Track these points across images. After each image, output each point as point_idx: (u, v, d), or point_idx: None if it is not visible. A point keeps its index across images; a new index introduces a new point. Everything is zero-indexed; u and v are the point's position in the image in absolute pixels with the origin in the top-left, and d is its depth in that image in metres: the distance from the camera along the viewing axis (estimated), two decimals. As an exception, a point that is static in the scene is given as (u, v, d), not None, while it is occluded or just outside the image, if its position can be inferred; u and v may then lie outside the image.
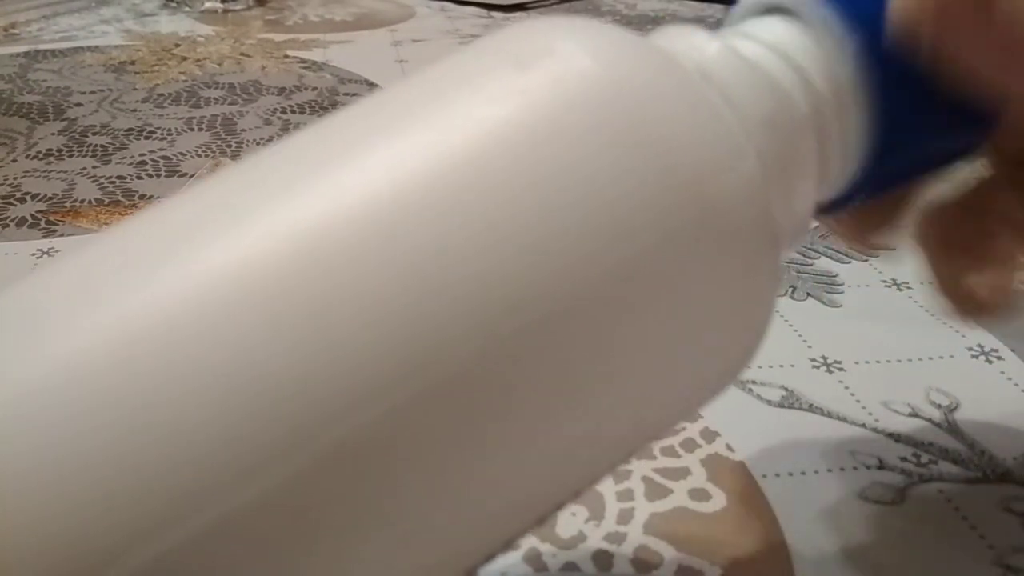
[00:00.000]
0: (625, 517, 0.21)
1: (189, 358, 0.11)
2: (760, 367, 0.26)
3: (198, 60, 0.56)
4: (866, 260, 0.33)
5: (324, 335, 0.11)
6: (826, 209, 0.16)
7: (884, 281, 0.32)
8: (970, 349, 0.28)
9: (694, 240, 0.13)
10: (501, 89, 0.13)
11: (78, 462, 0.11)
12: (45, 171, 0.39)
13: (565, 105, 0.13)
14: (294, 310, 0.11)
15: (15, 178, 0.39)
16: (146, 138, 0.43)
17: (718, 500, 0.22)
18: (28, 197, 0.37)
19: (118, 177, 0.39)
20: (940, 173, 0.17)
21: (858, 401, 0.25)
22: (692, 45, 0.15)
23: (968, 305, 0.18)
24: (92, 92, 0.49)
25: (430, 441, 0.12)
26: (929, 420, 0.24)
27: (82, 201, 0.37)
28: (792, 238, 0.15)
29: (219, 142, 0.43)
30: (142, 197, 0.37)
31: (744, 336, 0.14)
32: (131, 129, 0.44)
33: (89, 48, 0.57)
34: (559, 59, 0.13)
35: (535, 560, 0.20)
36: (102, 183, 0.38)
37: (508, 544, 0.14)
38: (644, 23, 0.67)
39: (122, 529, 0.10)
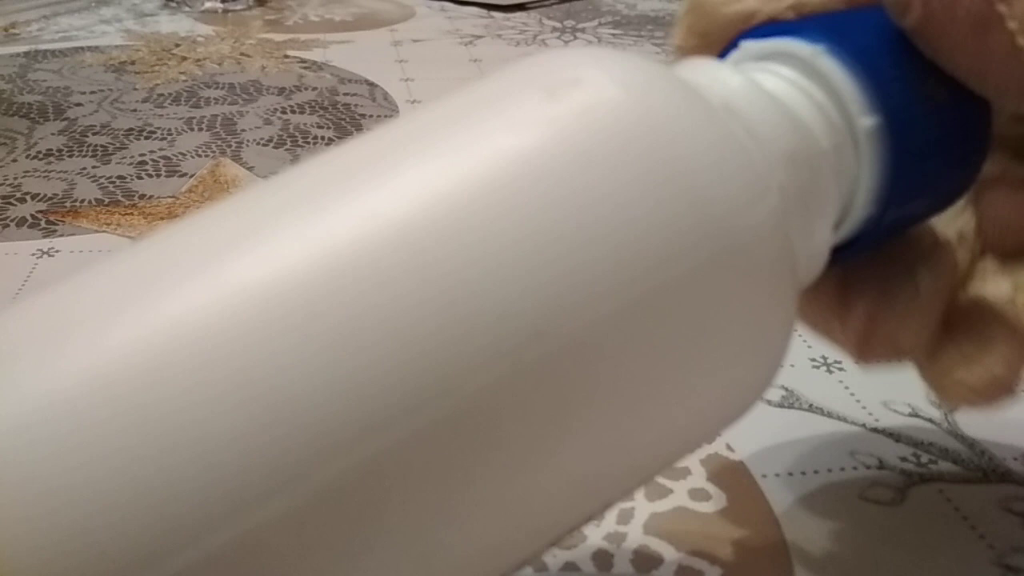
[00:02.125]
0: (625, 517, 0.21)
1: (217, 373, 0.11)
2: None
3: (198, 60, 0.56)
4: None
5: (353, 356, 0.11)
6: (839, 253, 0.16)
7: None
8: (970, 349, 0.28)
9: (716, 272, 0.13)
10: (530, 117, 0.13)
11: (104, 476, 0.11)
12: (45, 171, 0.39)
13: (593, 135, 0.13)
14: (323, 329, 0.11)
15: (15, 178, 0.39)
16: (146, 138, 0.43)
17: (718, 500, 0.22)
18: (28, 197, 0.37)
19: (118, 177, 0.39)
20: (942, 210, 0.17)
21: (858, 401, 0.25)
22: (716, 78, 0.15)
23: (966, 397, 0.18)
24: (92, 92, 0.49)
25: (452, 463, 0.12)
26: (929, 420, 0.24)
27: (82, 201, 0.37)
28: (809, 274, 0.15)
29: (219, 142, 0.43)
30: (142, 197, 0.37)
31: (760, 367, 0.15)
32: (131, 129, 0.44)
33: (89, 48, 0.57)
34: (588, 89, 0.13)
35: (535, 560, 0.20)
36: (102, 183, 0.38)
37: (525, 564, 0.14)
38: (644, 23, 0.67)
39: (147, 542, 0.11)
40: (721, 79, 0.15)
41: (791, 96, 0.15)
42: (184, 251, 0.13)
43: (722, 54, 0.16)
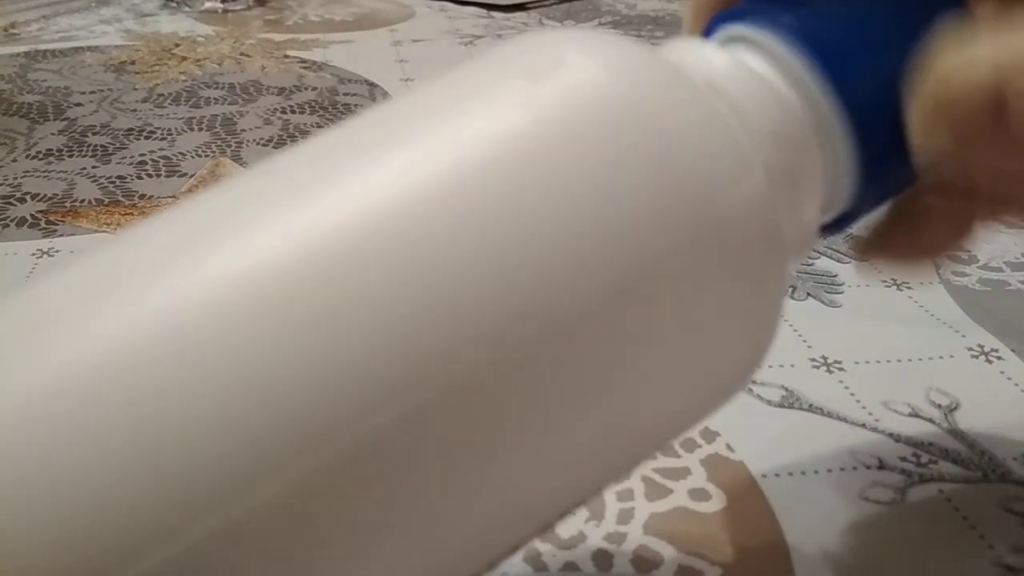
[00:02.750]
0: (625, 517, 0.21)
1: (199, 362, 0.11)
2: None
3: (198, 60, 0.56)
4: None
5: (335, 342, 0.11)
6: (828, 228, 0.16)
7: (884, 281, 0.32)
8: (970, 349, 0.28)
9: (702, 251, 0.13)
10: (513, 100, 0.13)
11: (87, 469, 0.11)
12: (45, 171, 0.39)
13: (576, 116, 0.13)
14: (305, 316, 0.11)
15: (15, 178, 0.39)
16: (146, 138, 0.43)
17: (718, 500, 0.22)
18: (28, 197, 0.37)
19: (118, 177, 0.39)
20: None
21: (858, 401, 0.25)
22: (701, 57, 0.15)
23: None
24: (92, 92, 0.49)
25: (440, 447, 0.12)
26: (929, 420, 0.24)
27: (82, 201, 0.37)
28: (798, 251, 0.15)
29: (219, 142, 0.43)
30: (142, 197, 0.37)
31: (750, 346, 0.15)
32: (131, 129, 0.44)
33: (89, 48, 0.57)
34: (571, 71, 0.13)
35: (535, 560, 0.20)
36: (102, 183, 0.38)
37: (515, 549, 0.14)
38: (644, 23, 0.67)
39: (132, 532, 0.11)
40: (705, 58, 0.15)
41: (774, 74, 0.15)
42: (164, 241, 0.13)
43: (706, 34, 0.16)
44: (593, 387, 0.13)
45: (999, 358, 0.27)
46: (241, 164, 0.41)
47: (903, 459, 0.23)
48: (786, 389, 0.26)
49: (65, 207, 0.36)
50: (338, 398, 0.11)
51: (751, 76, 0.15)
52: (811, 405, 0.25)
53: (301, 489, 0.11)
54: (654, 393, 0.14)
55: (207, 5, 0.68)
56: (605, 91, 0.13)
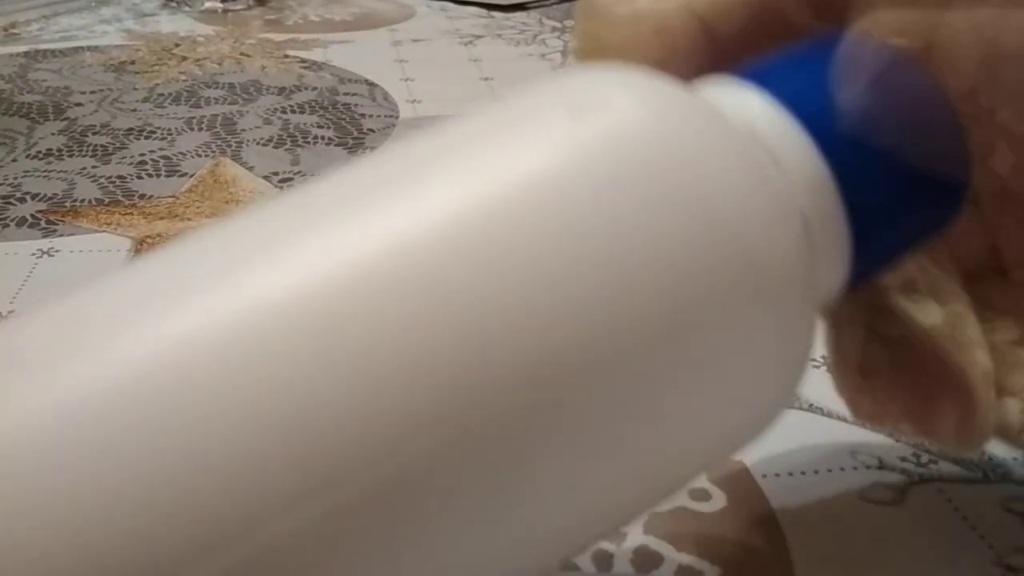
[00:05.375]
0: (625, 517, 0.21)
1: (235, 386, 0.11)
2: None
3: (198, 60, 0.56)
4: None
5: (371, 370, 0.11)
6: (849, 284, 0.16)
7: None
8: (970, 349, 0.28)
9: (737, 295, 0.13)
10: (554, 137, 0.13)
11: (112, 488, 0.10)
12: (45, 171, 0.39)
13: (617, 157, 0.13)
14: (343, 343, 0.11)
15: (15, 178, 0.39)
16: (146, 138, 0.43)
17: (718, 500, 0.22)
18: (28, 197, 0.37)
19: (118, 177, 0.39)
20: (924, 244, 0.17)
21: (858, 401, 0.25)
22: (741, 102, 0.15)
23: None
24: (92, 92, 0.49)
25: (469, 480, 0.12)
26: (929, 420, 0.24)
27: (82, 201, 0.37)
28: (825, 301, 0.15)
29: (219, 142, 0.43)
30: (142, 197, 0.37)
31: (777, 390, 0.15)
32: (131, 129, 0.44)
33: (89, 48, 0.57)
34: (614, 111, 0.13)
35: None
36: (102, 183, 0.38)
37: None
38: (644, 23, 0.67)
39: (160, 557, 0.10)
40: (745, 104, 0.15)
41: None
42: (202, 263, 0.13)
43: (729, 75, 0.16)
44: (625, 421, 0.13)
45: (999, 358, 0.27)
46: (241, 164, 0.41)
47: (903, 459, 0.23)
48: (786, 389, 0.26)
49: (65, 207, 0.36)
50: (372, 428, 0.11)
51: (786, 122, 0.14)
52: (811, 405, 0.25)
53: (334, 515, 0.11)
54: (681, 431, 0.14)
55: (207, 5, 0.68)
56: (647, 134, 0.13)
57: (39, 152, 0.41)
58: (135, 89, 0.50)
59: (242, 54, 0.57)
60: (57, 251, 0.33)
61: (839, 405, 0.25)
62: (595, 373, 0.12)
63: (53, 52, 0.56)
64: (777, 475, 0.22)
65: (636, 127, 0.13)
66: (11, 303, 0.30)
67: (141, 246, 0.34)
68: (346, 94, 0.50)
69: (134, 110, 0.47)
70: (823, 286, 0.15)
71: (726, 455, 0.16)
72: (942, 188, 0.16)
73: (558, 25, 0.66)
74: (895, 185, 0.15)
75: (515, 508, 0.12)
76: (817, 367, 0.27)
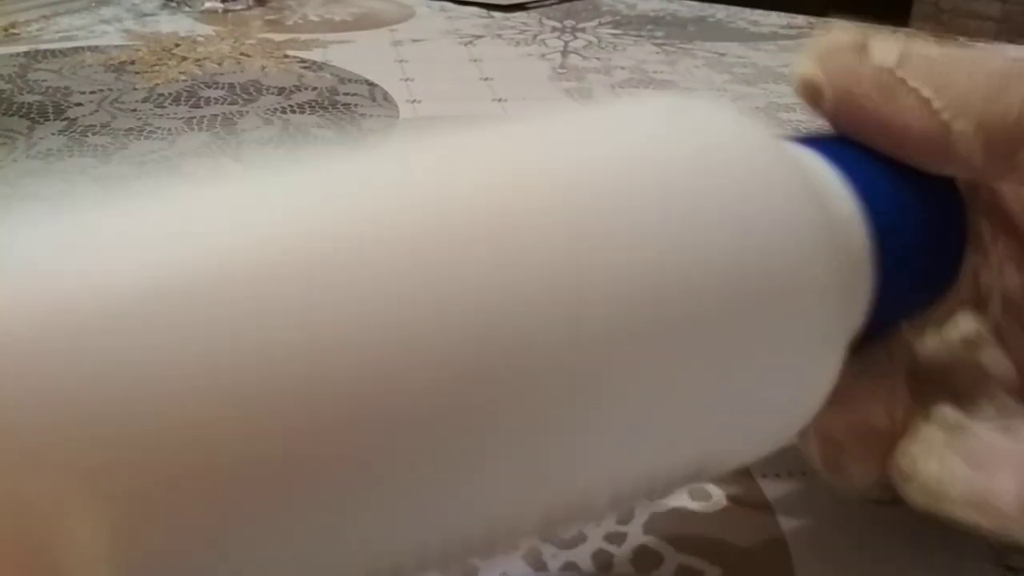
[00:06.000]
0: (625, 517, 0.21)
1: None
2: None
3: (198, 60, 0.56)
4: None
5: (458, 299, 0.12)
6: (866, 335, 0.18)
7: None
8: (970, 349, 0.28)
9: (776, 317, 0.14)
10: (646, 130, 0.15)
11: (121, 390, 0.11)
12: (45, 171, 0.39)
13: (700, 167, 0.14)
14: (418, 275, 0.12)
15: (15, 178, 0.39)
16: (146, 138, 0.43)
17: (718, 500, 0.22)
18: (28, 197, 0.37)
19: (118, 177, 0.39)
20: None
21: (858, 401, 0.25)
22: (817, 167, 0.17)
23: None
24: (92, 92, 0.49)
25: (540, 410, 0.13)
26: (929, 420, 0.24)
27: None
28: (849, 340, 0.16)
29: (219, 142, 0.43)
30: (142, 197, 0.37)
31: (798, 406, 0.16)
32: (131, 129, 0.44)
33: (89, 48, 0.57)
34: (712, 130, 0.15)
35: (535, 560, 0.20)
36: (102, 183, 0.38)
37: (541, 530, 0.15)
38: (644, 23, 0.67)
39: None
40: (819, 170, 0.17)
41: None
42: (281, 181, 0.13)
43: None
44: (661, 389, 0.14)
45: (999, 358, 0.27)
46: (241, 164, 0.41)
47: (903, 459, 0.23)
48: (786, 389, 0.26)
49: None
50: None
51: (846, 198, 0.16)
52: (811, 405, 0.25)
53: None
54: (691, 410, 0.14)
55: (207, 5, 0.68)
56: (732, 160, 0.15)
57: (39, 152, 0.41)
58: (135, 89, 0.50)
59: (242, 54, 0.57)
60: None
61: (839, 405, 0.25)
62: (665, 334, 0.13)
63: (53, 52, 0.56)
64: (777, 475, 0.22)
65: (726, 150, 0.15)
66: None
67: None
68: (346, 94, 0.50)
69: (134, 110, 0.47)
70: (851, 323, 0.16)
71: (743, 456, 0.16)
72: (946, 254, 0.18)
73: (558, 25, 0.66)
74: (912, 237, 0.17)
75: (576, 442, 0.13)
76: (817, 367, 0.27)
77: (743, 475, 0.22)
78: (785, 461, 0.23)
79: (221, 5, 0.68)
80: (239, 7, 0.69)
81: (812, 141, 0.18)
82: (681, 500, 0.21)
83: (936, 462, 0.17)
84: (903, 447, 0.17)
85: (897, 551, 0.20)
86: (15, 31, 0.61)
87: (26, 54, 0.56)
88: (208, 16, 0.67)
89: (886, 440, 0.17)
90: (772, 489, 0.22)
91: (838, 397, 0.16)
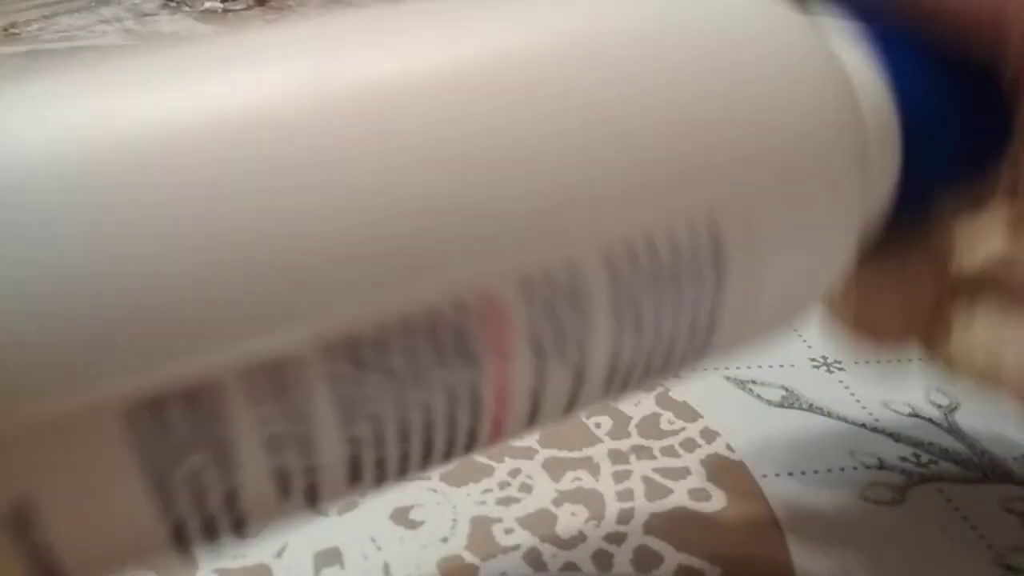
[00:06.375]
0: (625, 517, 0.21)
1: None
2: (760, 367, 0.27)
3: (198, 60, 0.55)
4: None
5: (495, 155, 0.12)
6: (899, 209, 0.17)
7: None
8: (970, 349, 0.28)
9: (785, 175, 0.14)
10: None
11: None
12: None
13: (724, 18, 0.14)
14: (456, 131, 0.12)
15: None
16: (146, 138, 0.43)
17: (718, 500, 0.22)
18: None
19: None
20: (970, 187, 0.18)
21: (858, 401, 0.25)
22: (836, 31, 0.16)
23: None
24: (92, 92, 0.49)
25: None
26: (929, 420, 0.24)
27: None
28: (873, 217, 0.16)
29: (219, 142, 0.43)
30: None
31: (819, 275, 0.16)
32: (131, 129, 0.44)
33: (89, 48, 0.57)
34: None
35: (535, 560, 0.20)
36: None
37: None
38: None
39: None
40: (847, 48, 0.16)
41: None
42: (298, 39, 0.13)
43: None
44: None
45: (999, 358, 0.27)
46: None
47: (903, 459, 0.23)
48: (786, 389, 0.26)
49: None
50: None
51: (867, 67, 0.16)
52: (811, 405, 0.25)
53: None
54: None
55: (207, 5, 0.68)
56: (761, 15, 0.14)
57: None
58: (135, 89, 0.50)
59: (242, 54, 0.57)
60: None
61: (839, 405, 0.25)
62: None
63: (53, 52, 0.56)
64: (777, 475, 0.22)
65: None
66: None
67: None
68: (346, 94, 0.50)
69: (134, 110, 0.47)
70: (875, 193, 0.16)
71: (776, 322, 0.16)
72: (985, 129, 0.17)
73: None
74: (944, 104, 0.16)
75: None
76: (817, 368, 0.27)
77: (743, 475, 0.22)
78: (785, 461, 0.23)
79: (221, 5, 0.68)
80: (239, 7, 0.69)
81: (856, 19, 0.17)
82: (681, 500, 0.21)
83: (989, 335, 0.17)
84: (957, 324, 0.17)
85: (897, 551, 0.20)
86: (15, 31, 0.61)
87: (26, 54, 0.56)
88: (208, 16, 0.67)
89: (932, 306, 0.17)
90: (772, 489, 0.22)
91: (881, 274, 0.16)
